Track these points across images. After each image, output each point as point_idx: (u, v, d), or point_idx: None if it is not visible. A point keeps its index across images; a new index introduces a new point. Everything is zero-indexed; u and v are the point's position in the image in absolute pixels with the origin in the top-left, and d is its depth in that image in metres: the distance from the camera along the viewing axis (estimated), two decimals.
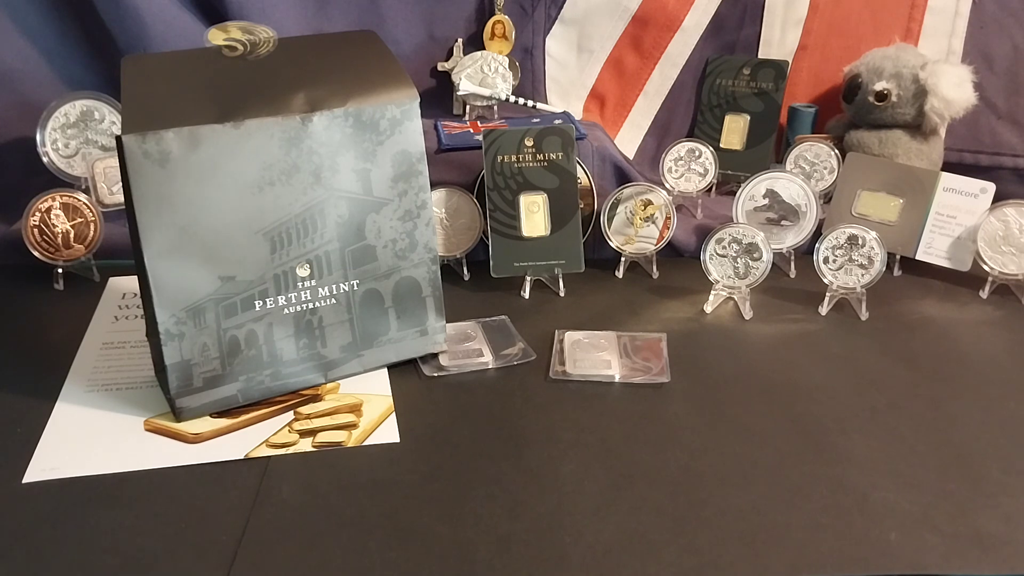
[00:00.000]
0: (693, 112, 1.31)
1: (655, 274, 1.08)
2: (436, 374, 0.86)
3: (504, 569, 0.62)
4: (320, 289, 0.81)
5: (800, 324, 0.97)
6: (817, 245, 0.99)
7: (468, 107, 1.19)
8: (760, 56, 1.27)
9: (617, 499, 0.69)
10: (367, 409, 0.81)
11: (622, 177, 1.12)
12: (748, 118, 1.27)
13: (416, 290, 0.85)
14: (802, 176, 1.09)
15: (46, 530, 0.66)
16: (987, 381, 0.87)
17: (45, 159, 1.07)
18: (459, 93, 1.18)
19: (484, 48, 1.21)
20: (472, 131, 1.12)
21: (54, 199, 1.01)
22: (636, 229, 1.07)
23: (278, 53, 0.78)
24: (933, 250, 1.07)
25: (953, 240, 1.06)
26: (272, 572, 0.62)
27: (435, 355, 0.89)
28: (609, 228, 1.07)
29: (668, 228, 1.06)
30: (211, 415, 0.79)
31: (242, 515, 0.67)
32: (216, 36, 0.77)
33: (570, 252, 1.03)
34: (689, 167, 1.16)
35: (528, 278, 1.03)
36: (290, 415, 0.80)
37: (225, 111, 0.74)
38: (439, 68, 1.22)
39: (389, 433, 0.78)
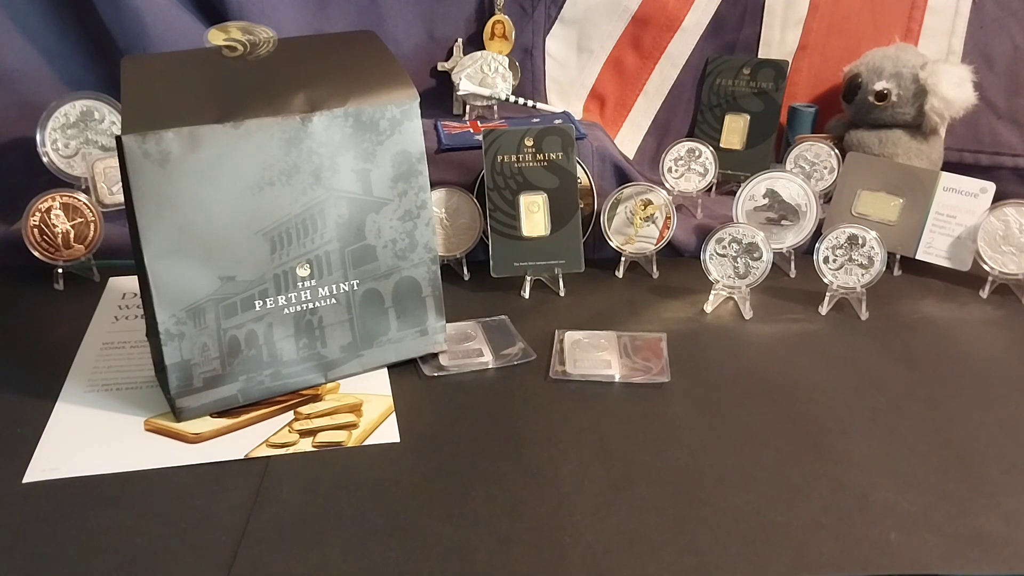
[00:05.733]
0: (693, 112, 1.31)
1: (655, 274, 1.08)
2: (436, 374, 0.86)
3: (504, 569, 0.62)
4: (320, 289, 0.81)
5: (800, 324, 0.97)
6: (817, 245, 0.99)
7: (468, 107, 1.19)
8: (760, 56, 1.27)
9: (617, 499, 0.69)
10: (367, 409, 0.81)
11: (622, 177, 1.12)
12: (748, 118, 1.27)
13: (416, 290, 0.85)
14: (802, 176, 1.09)
15: (46, 530, 0.66)
16: (987, 381, 0.87)
17: (45, 159, 1.07)
18: (459, 93, 1.18)
19: (484, 48, 1.21)
20: (472, 131, 1.12)
21: (54, 199, 1.01)
22: (636, 229, 1.07)
23: (278, 53, 0.78)
24: (933, 250, 1.07)
25: (953, 240, 1.06)
26: (272, 572, 0.62)
27: (435, 355, 0.89)
28: (609, 228, 1.07)
29: (668, 228, 1.06)
30: (211, 415, 0.79)
31: (242, 515, 0.67)
32: (216, 36, 0.77)
33: (570, 252, 1.03)
34: (689, 167, 1.16)
35: (528, 278, 1.03)
36: (290, 415, 0.80)
37: (225, 111, 0.74)
38: (439, 68, 1.22)
39: (389, 433, 0.78)
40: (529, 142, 1.01)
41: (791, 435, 0.78)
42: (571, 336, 0.93)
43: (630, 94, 1.29)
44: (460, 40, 1.22)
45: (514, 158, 1.02)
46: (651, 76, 1.28)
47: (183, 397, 0.77)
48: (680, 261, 1.11)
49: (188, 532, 0.66)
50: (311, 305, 0.81)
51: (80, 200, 1.02)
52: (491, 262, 1.03)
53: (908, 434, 0.78)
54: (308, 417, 0.80)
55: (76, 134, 1.08)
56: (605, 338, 0.92)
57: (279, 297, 0.79)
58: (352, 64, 0.80)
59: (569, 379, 0.86)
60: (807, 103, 1.28)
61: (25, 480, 0.71)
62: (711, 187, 1.18)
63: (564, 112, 1.19)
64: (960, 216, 1.05)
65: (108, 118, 1.09)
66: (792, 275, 1.08)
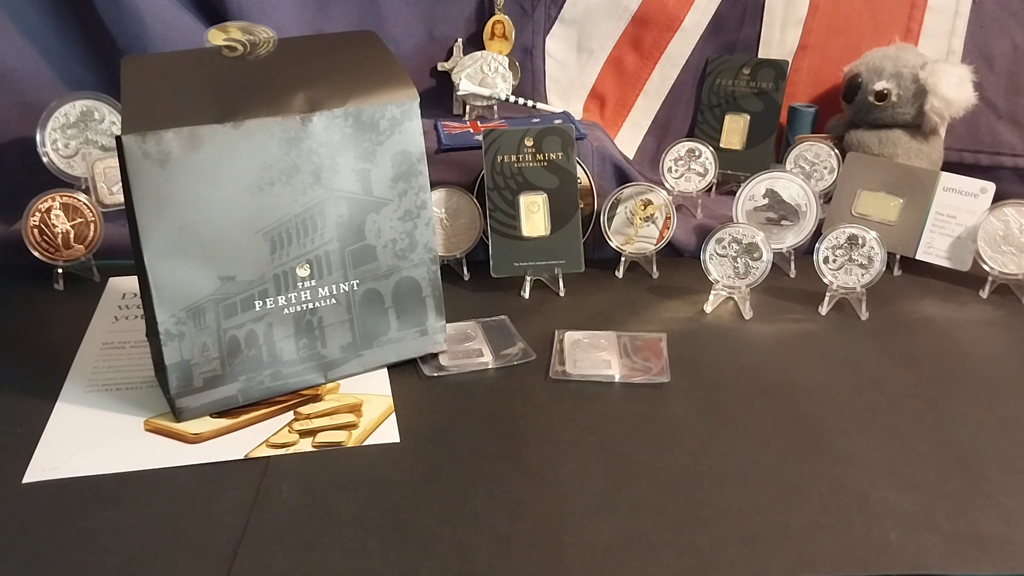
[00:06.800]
0: (693, 112, 1.31)
1: (655, 274, 1.08)
2: (436, 374, 0.86)
3: (504, 569, 0.62)
4: (320, 289, 0.81)
5: (800, 324, 0.97)
6: (817, 245, 0.99)
7: (468, 107, 1.19)
8: (760, 56, 1.27)
9: (617, 499, 0.69)
10: (367, 409, 0.81)
11: (622, 177, 1.12)
12: (748, 118, 1.27)
13: (416, 290, 0.85)
14: (802, 176, 1.09)
15: (46, 530, 0.66)
16: (987, 381, 0.87)
17: (45, 159, 1.07)
18: (459, 93, 1.18)
19: (484, 48, 1.21)
20: (472, 131, 1.12)
21: (54, 199, 1.01)
22: (636, 229, 1.07)
23: (278, 53, 0.78)
24: (933, 250, 1.07)
25: (953, 240, 1.06)
26: (272, 572, 0.62)
27: (435, 355, 0.89)
28: (609, 228, 1.07)
29: (668, 228, 1.06)
30: (211, 415, 0.79)
31: (242, 515, 0.67)
32: (216, 36, 0.77)
33: (570, 252, 1.03)
34: (689, 167, 1.16)
35: (528, 278, 1.03)
36: (290, 415, 0.80)
37: (225, 111, 0.74)
38: (439, 68, 1.22)
39: (389, 433, 0.78)
40: (529, 142, 1.01)
41: (791, 435, 0.78)
42: (571, 336, 0.93)
43: (630, 94, 1.29)
44: (460, 40, 1.22)
45: (514, 158, 1.02)
46: (651, 76, 1.28)
47: (183, 397, 0.77)
48: (680, 261, 1.11)
49: (188, 532, 0.66)
50: (311, 305, 0.81)
51: (80, 200, 1.02)
52: (491, 262, 1.03)
53: (908, 434, 0.78)
54: (308, 417, 0.80)
55: (76, 134, 1.08)
56: (605, 338, 0.92)
57: (279, 297, 0.79)
58: (352, 64, 0.80)
59: (569, 379, 0.86)
60: (807, 103, 1.28)
61: (25, 480, 0.71)
62: (711, 187, 1.18)
63: (564, 112, 1.19)
64: (960, 216, 1.05)
65: (108, 118, 1.09)
66: (792, 275, 1.08)
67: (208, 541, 0.65)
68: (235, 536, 0.65)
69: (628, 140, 1.31)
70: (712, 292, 1.00)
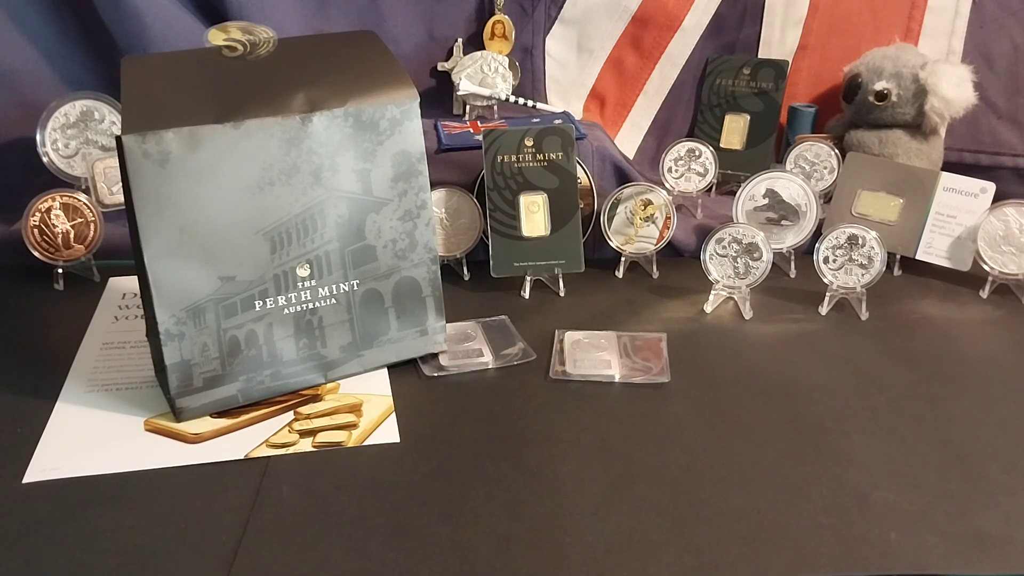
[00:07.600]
0: (693, 112, 1.31)
1: (655, 274, 1.08)
2: (436, 374, 0.86)
3: (504, 569, 0.62)
4: (320, 289, 0.81)
5: (800, 324, 0.97)
6: (817, 245, 0.99)
7: (468, 107, 1.19)
8: (760, 56, 1.27)
9: (617, 499, 0.69)
10: (367, 409, 0.81)
11: (622, 177, 1.12)
12: (748, 118, 1.27)
13: (416, 290, 0.85)
14: (802, 176, 1.09)
15: (46, 530, 0.66)
16: (987, 381, 0.87)
17: (45, 159, 1.07)
18: (459, 93, 1.18)
19: (484, 48, 1.21)
20: (472, 131, 1.12)
21: (54, 199, 1.01)
22: (636, 229, 1.07)
23: (278, 53, 0.78)
24: (933, 250, 1.07)
25: (953, 240, 1.06)
26: (272, 572, 0.62)
27: (435, 355, 0.89)
28: (609, 228, 1.07)
29: (668, 228, 1.06)
30: (211, 415, 0.79)
31: (242, 515, 0.67)
32: (216, 36, 0.77)
33: (570, 252, 1.03)
34: (689, 167, 1.16)
35: (528, 278, 1.03)
36: (290, 415, 0.80)
37: (225, 111, 0.74)
38: (439, 68, 1.22)
39: (389, 433, 0.78)
40: (529, 142, 1.01)
41: (791, 435, 0.78)
42: (571, 336, 0.93)
43: (630, 94, 1.29)
44: (460, 40, 1.22)
45: (514, 158, 1.02)
46: (651, 76, 1.28)
47: (183, 397, 0.77)
48: (680, 261, 1.11)
49: (188, 532, 0.66)
50: (311, 305, 0.81)
51: (80, 200, 1.02)
52: (491, 262, 1.03)
53: (908, 434, 0.78)
54: (308, 417, 0.80)
55: (76, 134, 1.08)
56: (605, 338, 0.92)
57: (279, 297, 0.79)
58: (352, 64, 0.80)
59: (569, 379, 0.86)
60: (807, 103, 1.28)
61: (25, 480, 0.71)
62: (711, 187, 1.18)
63: (564, 112, 1.19)
64: (960, 216, 1.05)
65: (108, 118, 1.09)
66: (792, 275, 1.08)
67: (208, 541, 0.65)
68: (235, 536, 0.65)
69: (628, 140, 1.31)
70: (712, 292, 1.00)
